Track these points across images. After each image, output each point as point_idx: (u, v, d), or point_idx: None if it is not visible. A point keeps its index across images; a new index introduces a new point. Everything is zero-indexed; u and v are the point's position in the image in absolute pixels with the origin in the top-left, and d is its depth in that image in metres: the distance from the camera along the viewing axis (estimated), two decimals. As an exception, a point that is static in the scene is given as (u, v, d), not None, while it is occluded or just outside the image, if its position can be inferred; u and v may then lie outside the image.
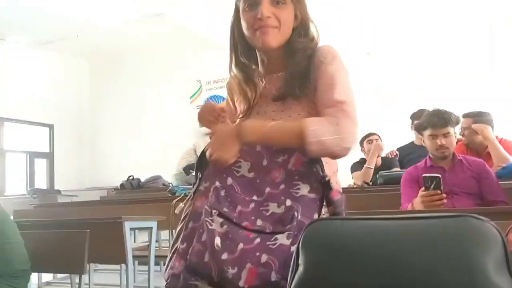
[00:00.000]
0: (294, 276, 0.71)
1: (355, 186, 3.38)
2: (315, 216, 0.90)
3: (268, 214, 0.91)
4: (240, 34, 1.13)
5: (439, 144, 2.19)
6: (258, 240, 0.87)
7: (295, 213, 0.89)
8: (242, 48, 1.14)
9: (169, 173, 4.82)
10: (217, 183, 0.97)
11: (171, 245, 1.00)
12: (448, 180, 2.16)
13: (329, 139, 0.93)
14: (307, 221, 0.84)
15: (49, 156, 8.24)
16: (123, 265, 2.50)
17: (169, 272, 0.93)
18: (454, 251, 0.61)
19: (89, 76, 8.71)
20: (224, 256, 0.86)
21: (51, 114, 7.94)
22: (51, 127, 8.19)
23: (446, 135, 2.19)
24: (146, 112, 7.71)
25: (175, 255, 0.95)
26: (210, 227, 0.90)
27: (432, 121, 2.23)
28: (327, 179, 0.94)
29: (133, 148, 7.62)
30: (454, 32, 5.49)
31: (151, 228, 2.53)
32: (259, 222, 0.90)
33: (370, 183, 3.25)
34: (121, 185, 5.08)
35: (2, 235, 1.76)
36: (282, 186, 0.94)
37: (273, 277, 0.82)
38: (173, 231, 2.88)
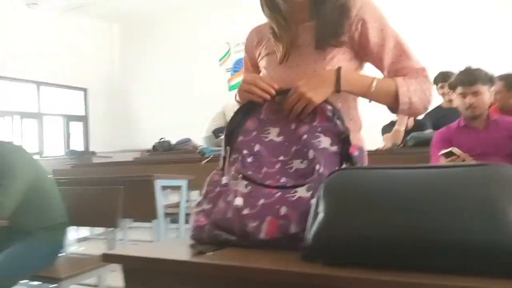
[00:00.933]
0: (313, 223, 0.72)
1: (385, 148, 3.33)
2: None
3: (292, 171, 0.92)
4: None
5: (469, 102, 2.11)
6: (278, 194, 0.87)
7: (317, 165, 0.89)
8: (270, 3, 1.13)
9: (199, 136, 4.89)
10: (245, 151, 0.98)
11: (196, 205, 1.03)
12: (482, 141, 2.09)
13: (417, 100, 1.04)
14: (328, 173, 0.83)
15: (84, 119, 8.52)
16: (155, 222, 2.60)
17: (194, 225, 0.96)
18: (479, 197, 0.60)
19: (120, 40, 8.79)
20: (245, 211, 0.87)
21: (85, 78, 8.14)
22: (85, 90, 8.42)
23: (475, 93, 2.11)
24: (177, 75, 7.76)
25: (200, 213, 0.98)
26: (234, 188, 0.93)
27: (461, 78, 2.15)
28: (346, 134, 0.93)
29: (164, 111, 7.74)
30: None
31: (181, 186, 2.60)
32: (283, 180, 0.91)
33: (401, 145, 3.18)
34: (154, 146, 5.22)
35: (43, 190, 1.86)
36: (304, 137, 0.95)
37: (293, 229, 0.82)
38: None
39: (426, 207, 0.63)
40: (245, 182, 0.93)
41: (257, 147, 0.98)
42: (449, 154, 1.97)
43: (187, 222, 2.88)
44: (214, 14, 7.21)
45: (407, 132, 3.34)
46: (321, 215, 0.71)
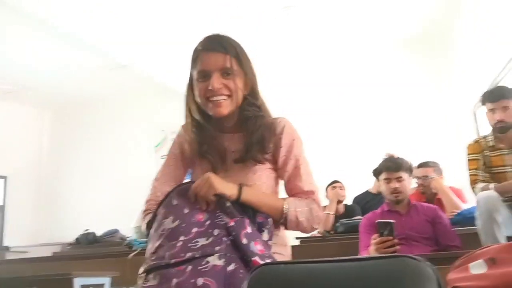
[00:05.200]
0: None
1: (318, 234, 3.38)
2: (244, 237, 0.97)
3: (197, 246, 0.96)
4: (194, 99, 1.22)
5: (393, 187, 2.28)
6: (189, 267, 0.89)
7: (223, 238, 0.95)
8: (197, 110, 1.22)
9: (128, 227, 4.64)
10: (150, 246, 1.03)
11: None
12: (404, 224, 2.20)
13: (304, 220, 1.16)
14: (241, 236, 0.95)
15: (1, 209, 7.77)
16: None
17: None
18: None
19: (50, 126, 8.49)
20: None
21: (5, 165, 7.60)
22: (5, 178, 7.80)
23: (399, 179, 2.29)
24: (109, 162, 7.53)
25: None
26: (145, 284, 0.96)
27: (386, 165, 2.34)
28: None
29: (92, 200, 7.34)
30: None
31: (104, 285, 2.39)
32: (188, 254, 0.93)
33: (331, 232, 3.25)
34: (77, 239, 4.84)
35: None
36: (207, 222, 1.01)
37: None
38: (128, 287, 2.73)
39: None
40: (152, 274, 0.94)
41: (159, 240, 1.02)
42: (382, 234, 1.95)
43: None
44: (149, 100, 7.31)
45: (338, 217, 3.45)
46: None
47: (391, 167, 2.33)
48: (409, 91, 5.45)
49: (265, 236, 1.05)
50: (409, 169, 2.38)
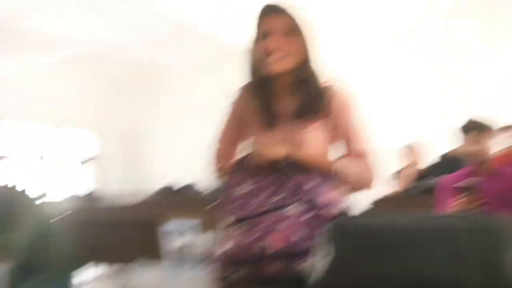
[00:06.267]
0: (320, 262, 0.74)
1: (392, 195, 3.34)
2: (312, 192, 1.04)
3: (272, 202, 1.05)
4: (254, 60, 1.28)
5: (475, 149, 2.18)
6: (270, 216, 0.99)
7: (294, 194, 1.03)
8: (256, 71, 1.28)
9: (205, 180, 4.92)
10: (235, 193, 1.13)
11: (209, 248, 1.15)
12: (486, 189, 2.11)
13: (357, 180, 1.20)
14: (317, 194, 1.02)
15: (95, 162, 8.62)
16: (165, 263, 2.59)
17: (211, 267, 1.05)
18: (476, 247, 0.63)
19: (131, 85, 9.06)
20: (247, 240, 0.95)
21: (95, 121, 8.33)
22: (96, 133, 8.58)
23: (482, 141, 2.18)
24: (186, 121, 7.91)
25: (214, 255, 1.08)
26: (232, 233, 1.05)
27: (471, 125, 2.24)
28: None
29: (172, 156, 7.83)
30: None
31: (189, 229, 2.62)
32: (264, 209, 1.03)
33: (410, 192, 3.19)
34: (161, 190, 5.26)
35: (50, 233, 1.89)
36: (275, 183, 1.09)
37: (296, 236, 0.93)
38: (210, 233, 2.95)
39: (427, 254, 0.66)
40: (234, 226, 1.05)
41: (244, 188, 1.12)
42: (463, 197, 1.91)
43: (195, 264, 2.87)
44: (221, 64, 7.46)
45: (415, 179, 3.36)
46: (329, 257, 0.74)
47: (475, 127, 2.22)
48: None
49: (330, 189, 1.11)
50: (492, 131, 2.25)
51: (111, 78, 8.65)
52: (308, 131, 1.23)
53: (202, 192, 4.49)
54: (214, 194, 3.60)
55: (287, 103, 1.26)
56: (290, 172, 1.10)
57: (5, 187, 1.88)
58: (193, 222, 2.70)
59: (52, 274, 1.82)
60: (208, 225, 2.66)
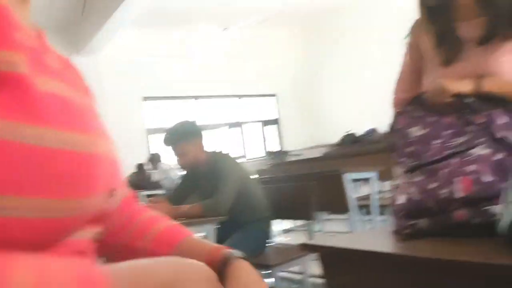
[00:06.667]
0: (508, 208, 0.66)
1: None
2: (499, 130, 0.90)
3: (455, 143, 0.94)
4: None
5: None
6: (454, 160, 0.89)
7: (480, 133, 0.89)
8: None
9: (385, 125, 4.75)
10: (411, 136, 1.05)
11: (391, 197, 1.11)
12: None
13: None
14: (498, 128, 0.88)
15: (277, 122, 9.28)
16: (349, 214, 2.67)
17: (393, 217, 1.03)
18: None
19: (302, 42, 9.24)
20: (431, 185, 0.90)
21: (275, 84, 8.89)
22: (275, 96, 9.17)
23: None
24: (359, 66, 7.69)
25: (395, 204, 1.05)
26: (410, 180, 0.98)
27: None
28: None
29: (348, 104, 7.78)
30: None
31: (371, 178, 2.61)
32: (447, 152, 0.92)
33: None
34: (340, 140, 5.33)
35: (249, 189, 2.15)
36: (458, 123, 0.97)
37: (487, 178, 0.82)
38: (392, 182, 2.87)
39: None
40: (414, 172, 0.98)
41: (417, 133, 1.04)
42: None
43: (380, 213, 2.86)
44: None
45: None
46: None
47: None
48: None
49: None
50: None
51: (281, 33, 8.99)
52: (499, 56, 1.05)
53: (384, 138, 4.36)
54: (392, 139, 3.46)
55: (470, 28, 1.10)
56: (478, 108, 0.97)
57: (214, 152, 2.20)
58: (376, 170, 2.67)
59: (252, 227, 2.09)
60: (389, 174, 2.60)
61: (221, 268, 0.58)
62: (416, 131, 1.03)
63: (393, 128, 1.16)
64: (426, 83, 1.21)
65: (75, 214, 0.44)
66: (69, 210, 0.43)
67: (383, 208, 2.86)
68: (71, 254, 0.47)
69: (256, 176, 3.38)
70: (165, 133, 2.14)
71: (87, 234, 0.51)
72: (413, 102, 1.10)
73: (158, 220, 0.69)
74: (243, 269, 0.59)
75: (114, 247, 0.66)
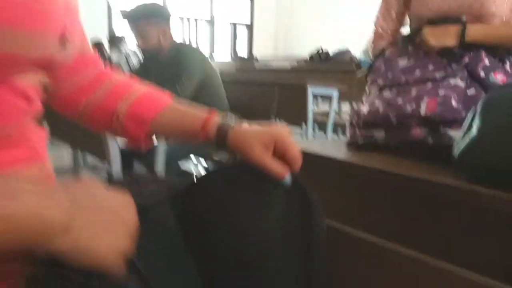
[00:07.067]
0: (464, 137, 0.68)
1: None
2: (481, 70, 0.91)
3: (437, 74, 0.95)
4: None
5: None
6: (430, 84, 0.91)
7: (462, 71, 0.90)
8: None
9: (358, 48, 4.70)
10: (393, 67, 1.06)
11: (353, 111, 1.12)
12: None
13: None
14: (478, 69, 0.89)
15: (249, 27, 8.91)
16: (304, 127, 2.73)
17: (351, 131, 1.05)
18: None
19: None
20: (399, 101, 0.92)
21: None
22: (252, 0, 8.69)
23: None
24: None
25: (358, 116, 1.06)
26: (378, 95, 1.01)
27: None
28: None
29: (326, 21, 7.56)
30: None
31: (332, 96, 2.63)
32: (428, 76, 0.94)
33: None
34: (310, 57, 5.24)
35: (212, 86, 2.12)
36: (443, 61, 0.98)
37: (454, 104, 0.85)
38: (354, 102, 2.92)
39: None
40: (387, 89, 1.00)
41: (399, 65, 1.05)
42: None
43: (334, 131, 2.94)
44: None
45: None
46: (473, 130, 0.66)
47: None
48: None
49: (507, 67, 0.94)
50: None
51: None
52: None
53: (355, 61, 4.33)
54: (367, 64, 3.46)
55: None
56: (462, 54, 0.96)
57: (180, 43, 2.09)
58: (341, 88, 2.68)
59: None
60: (350, 96, 2.62)
61: (221, 137, 0.58)
62: (402, 61, 1.04)
63: (380, 55, 1.14)
64: (416, 5, 1.16)
65: (18, 49, 0.40)
66: (13, 42, 0.39)
67: (336, 127, 2.95)
68: (18, 98, 0.45)
69: (221, 76, 3.31)
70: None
71: (32, 79, 0.48)
72: (404, 39, 1.10)
73: (134, 83, 0.64)
74: (245, 131, 0.58)
75: (83, 106, 0.62)
